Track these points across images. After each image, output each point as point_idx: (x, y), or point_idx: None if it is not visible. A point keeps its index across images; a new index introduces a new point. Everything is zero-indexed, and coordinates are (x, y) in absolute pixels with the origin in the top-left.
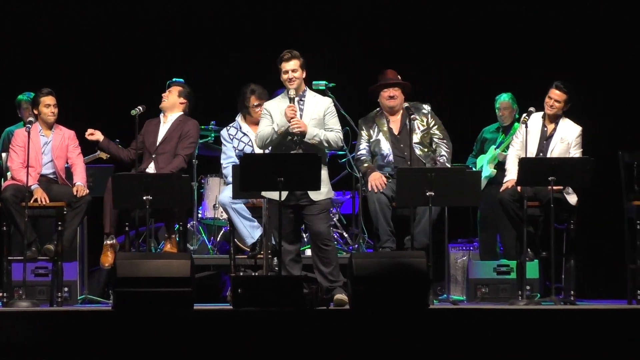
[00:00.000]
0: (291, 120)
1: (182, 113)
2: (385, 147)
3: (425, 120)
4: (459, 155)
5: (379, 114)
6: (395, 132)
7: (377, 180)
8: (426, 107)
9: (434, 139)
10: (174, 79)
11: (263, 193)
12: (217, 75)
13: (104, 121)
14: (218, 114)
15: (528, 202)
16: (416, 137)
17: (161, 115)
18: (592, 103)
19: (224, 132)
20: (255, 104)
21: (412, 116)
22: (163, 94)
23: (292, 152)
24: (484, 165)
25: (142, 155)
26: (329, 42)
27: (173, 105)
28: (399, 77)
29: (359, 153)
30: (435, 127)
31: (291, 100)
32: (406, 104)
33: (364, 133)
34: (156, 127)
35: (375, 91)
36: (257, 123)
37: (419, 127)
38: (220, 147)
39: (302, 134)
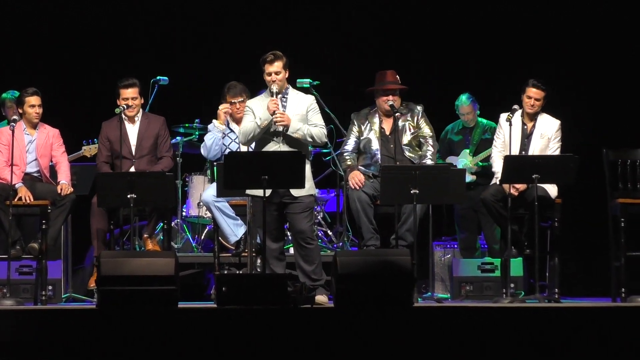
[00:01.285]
0: (275, 113)
1: (141, 111)
2: (375, 146)
3: (415, 120)
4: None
5: (372, 111)
6: (387, 132)
7: (354, 177)
8: (418, 108)
9: (420, 139)
10: (158, 77)
11: (247, 191)
12: (201, 73)
13: (87, 119)
14: (202, 112)
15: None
16: (406, 139)
17: (123, 116)
18: (575, 100)
19: (210, 125)
20: (231, 101)
21: (396, 114)
22: (127, 102)
23: (275, 147)
24: (462, 166)
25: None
26: (313, 40)
27: (139, 108)
28: (398, 78)
29: (344, 148)
30: (423, 126)
31: (274, 94)
32: (391, 102)
33: (354, 128)
34: (124, 130)
35: (372, 92)
36: (238, 121)
37: (409, 129)
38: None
39: (286, 127)
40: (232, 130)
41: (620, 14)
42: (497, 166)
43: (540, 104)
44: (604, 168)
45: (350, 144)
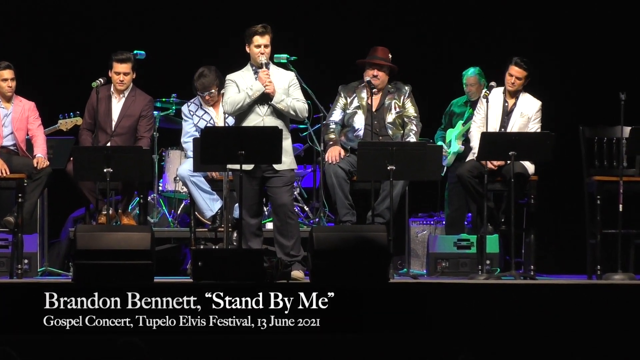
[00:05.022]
0: (264, 73)
1: (131, 85)
2: (360, 121)
3: (401, 99)
4: (428, 130)
5: (361, 86)
6: (373, 108)
7: (332, 152)
8: (406, 88)
9: (405, 118)
10: (135, 52)
11: (228, 165)
12: (179, 47)
13: (63, 92)
14: (179, 86)
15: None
16: (390, 117)
17: (111, 88)
18: (552, 77)
19: (184, 108)
20: (200, 94)
21: (373, 90)
22: (117, 74)
23: (258, 121)
24: (452, 141)
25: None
26: (290, 14)
27: (129, 83)
28: (389, 57)
29: (329, 119)
30: (409, 106)
31: (263, 66)
32: (367, 78)
33: (341, 100)
34: (108, 102)
35: (363, 65)
36: (214, 105)
37: (395, 108)
38: (181, 120)
39: (270, 96)
40: (206, 112)
41: None
42: (475, 142)
43: (521, 83)
44: (580, 145)
45: (335, 115)
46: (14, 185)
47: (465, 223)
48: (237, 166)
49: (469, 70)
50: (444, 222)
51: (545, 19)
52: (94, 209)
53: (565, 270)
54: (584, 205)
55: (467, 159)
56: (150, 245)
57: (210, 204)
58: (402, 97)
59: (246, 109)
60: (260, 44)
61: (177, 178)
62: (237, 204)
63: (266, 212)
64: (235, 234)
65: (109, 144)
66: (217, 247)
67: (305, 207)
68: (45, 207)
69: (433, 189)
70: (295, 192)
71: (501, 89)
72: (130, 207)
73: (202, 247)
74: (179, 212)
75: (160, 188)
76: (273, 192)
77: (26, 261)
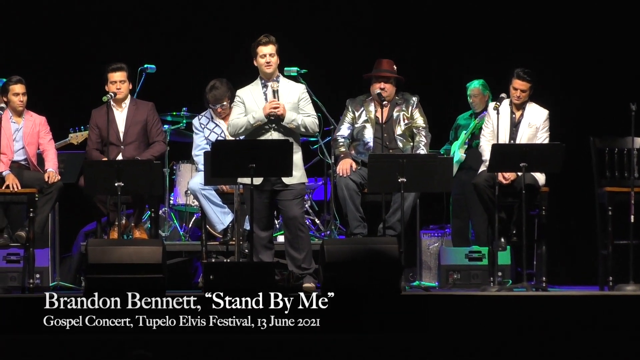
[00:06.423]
0: (272, 104)
1: (129, 96)
2: (369, 134)
3: (409, 110)
4: (436, 143)
5: (368, 99)
6: (382, 121)
7: (343, 165)
8: (414, 99)
9: (414, 129)
10: (145, 65)
11: (239, 179)
12: (189, 61)
13: (74, 106)
14: (189, 100)
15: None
16: (399, 129)
17: (111, 103)
18: (563, 88)
19: (195, 121)
20: (212, 106)
21: (384, 103)
22: (114, 83)
23: (267, 135)
24: (455, 151)
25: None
26: (302, 27)
27: (127, 92)
28: (395, 68)
29: (338, 134)
30: (417, 117)
31: (274, 94)
32: (378, 90)
33: (349, 114)
34: (112, 117)
35: (369, 79)
36: (225, 117)
37: (403, 119)
38: (192, 133)
39: (280, 118)
40: (217, 125)
41: (607, 1)
42: (487, 155)
43: (526, 95)
44: (591, 156)
45: (343, 130)
46: (25, 200)
47: (472, 238)
48: (247, 180)
49: (473, 82)
50: (449, 234)
51: (555, 29)
52: (106, 222)
53: (577, 281)
54: (595, 217)
55: (480, 171)
56: (162, 259)
57: (221, 217)
58: (410, 108)
59: (251, 131)
60: (265, 54)
61: (188, 191)
62: (248, 217)
63: (277, 225)
64: (246, 245)
65: (120, 156)
66: (228, 260)
67: (316, 219)
68: (57, 221)
69: (439, 201)
70: (306, 205)
71: (508, 100)
72: (142, 220)
73: (213, 260)
74: (190, 225)
75: (171, 201)
76: (284, 205)
77: (38, 276)
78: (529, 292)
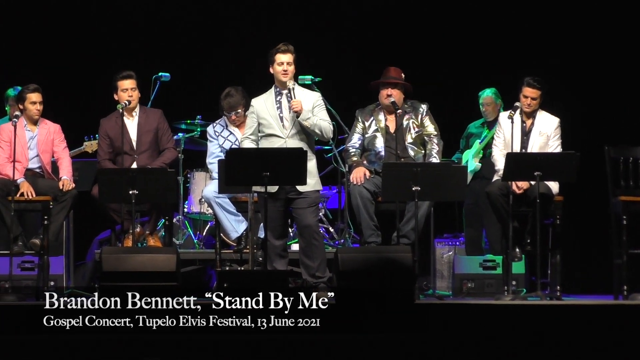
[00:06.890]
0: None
1: (138, 105)
2: (380, 144)
3: (419, 118)
4: (446, 151)
5: (377, 108)
6: (391, 129)
7: (356, 173)
8: (423, 107)
9: (425, 137)
10: (159, 74)
11: (253, 188)
12: (203, 69)
13: (88, 115)
14: (204, 108)
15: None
16: (410, 137)
17: (121, 111)
18: (577, 97)
19: (209, 129)
20: (227, 114)
21: (397, 111)
22: (125, 91)
23: (281, 143)
24: (469, 160)
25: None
26: (316, 36)
27: (137, 100)
28: (402, 76)
29: (349, 144)
30: (428, 124)
31: (290, 91)
32: (392, 99)
33: (359, 125)
34: (122, 124)
35: (376, 87)
36: (239, 125)
37: (413, 127)
38: (206, 141)
39: (297, 114)
40: (231, 133)
41: (620, 10)
42: (500, 164)
43: (537, 103)
44: (605, 165)
45: (354, 140)
46: (39, 208)
47: (485, 247)
48: (261, 188)
49: (485, 90)
50: (463, 243)
51: (568, 37)
52: (120, 230)
53: (591, 290)
54: (610, 226)
55: (493, 180)
56: (176, 267)
57: (235, 226)
58: (419, 116)
59: (267, 135)
60: (282, 62)
61: (203, 199)
62: (262, 225)
63: (291, 234)
64: (260, 253)
65: (134, 164)
66: (242, 268)
67: (330, 228)
68: (71, 229)
69: (452, 210)
70: (320, 214)
71: (519, 109)
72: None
73: (227, 268)
74: (204, 233)
75: (185, 210)
76: (298, 213)
77: (52, 283)
78: (543, 301)
